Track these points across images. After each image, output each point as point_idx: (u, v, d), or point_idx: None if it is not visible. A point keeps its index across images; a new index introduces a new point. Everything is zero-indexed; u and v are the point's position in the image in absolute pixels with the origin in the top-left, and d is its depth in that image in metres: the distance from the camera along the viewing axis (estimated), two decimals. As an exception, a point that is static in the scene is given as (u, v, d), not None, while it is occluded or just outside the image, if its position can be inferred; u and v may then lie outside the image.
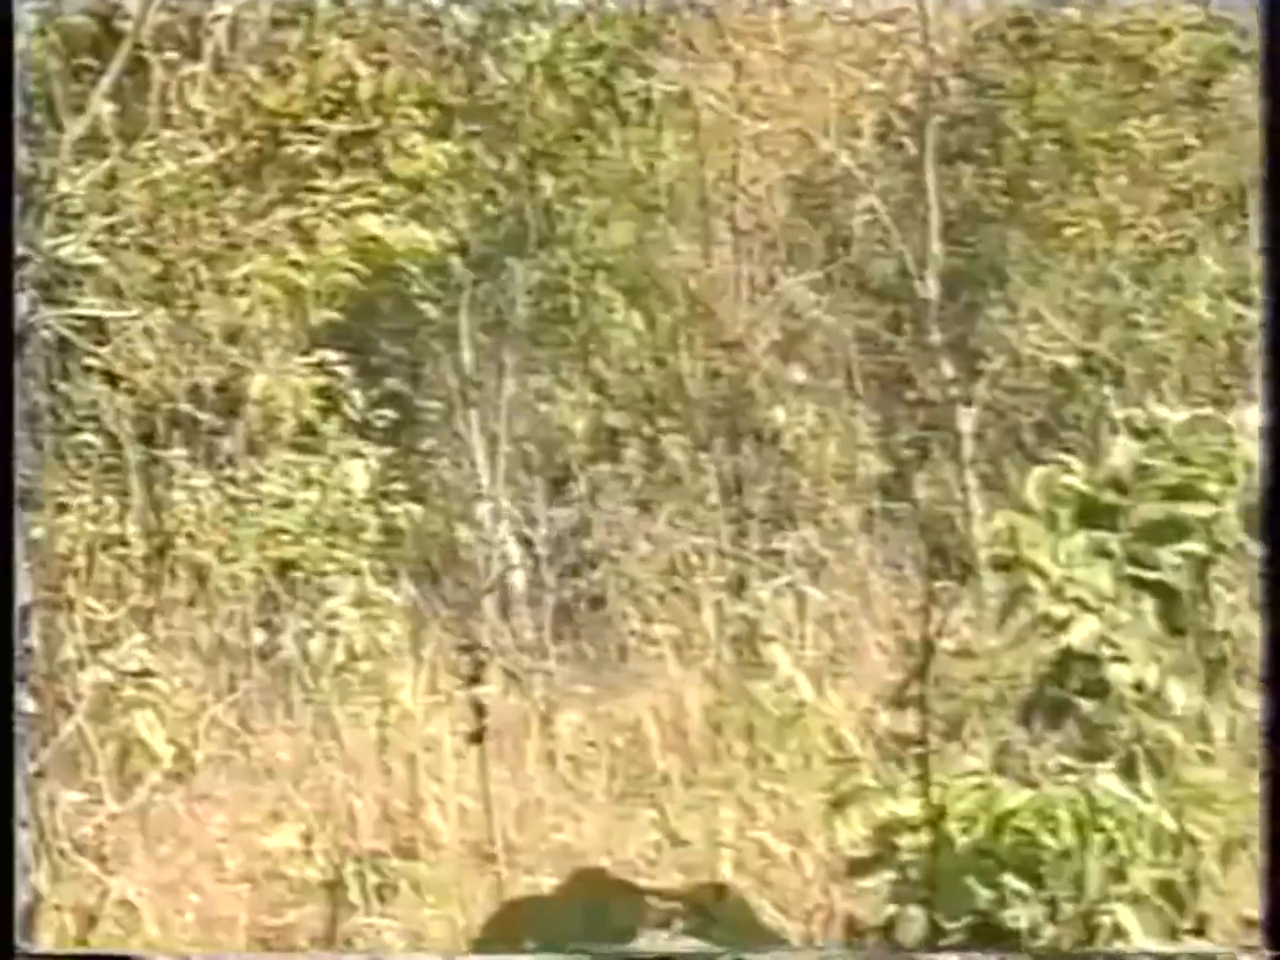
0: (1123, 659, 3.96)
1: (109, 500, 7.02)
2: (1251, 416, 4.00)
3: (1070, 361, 8.27)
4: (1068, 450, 4.78)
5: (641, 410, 8.87)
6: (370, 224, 7.61)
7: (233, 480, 7.31)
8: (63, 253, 6.28)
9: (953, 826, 3.76)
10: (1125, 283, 8.21)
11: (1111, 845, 3.60)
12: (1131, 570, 3.99)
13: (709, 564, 7.69)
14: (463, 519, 8.56)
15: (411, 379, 8.83)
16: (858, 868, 3.97)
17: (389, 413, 7.88)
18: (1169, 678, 3.93)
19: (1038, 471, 4.32)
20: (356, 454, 7.60)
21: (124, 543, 6.91)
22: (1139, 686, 3.94)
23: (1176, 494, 4.08)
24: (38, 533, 6.23)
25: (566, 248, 8.85)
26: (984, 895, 3.67)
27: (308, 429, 7.55)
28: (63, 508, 6.74)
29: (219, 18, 6.84)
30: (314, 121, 7.05)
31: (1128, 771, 3.71)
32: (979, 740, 4.25)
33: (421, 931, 5.39)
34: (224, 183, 7.22)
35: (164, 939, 5.24)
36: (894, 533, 7.93)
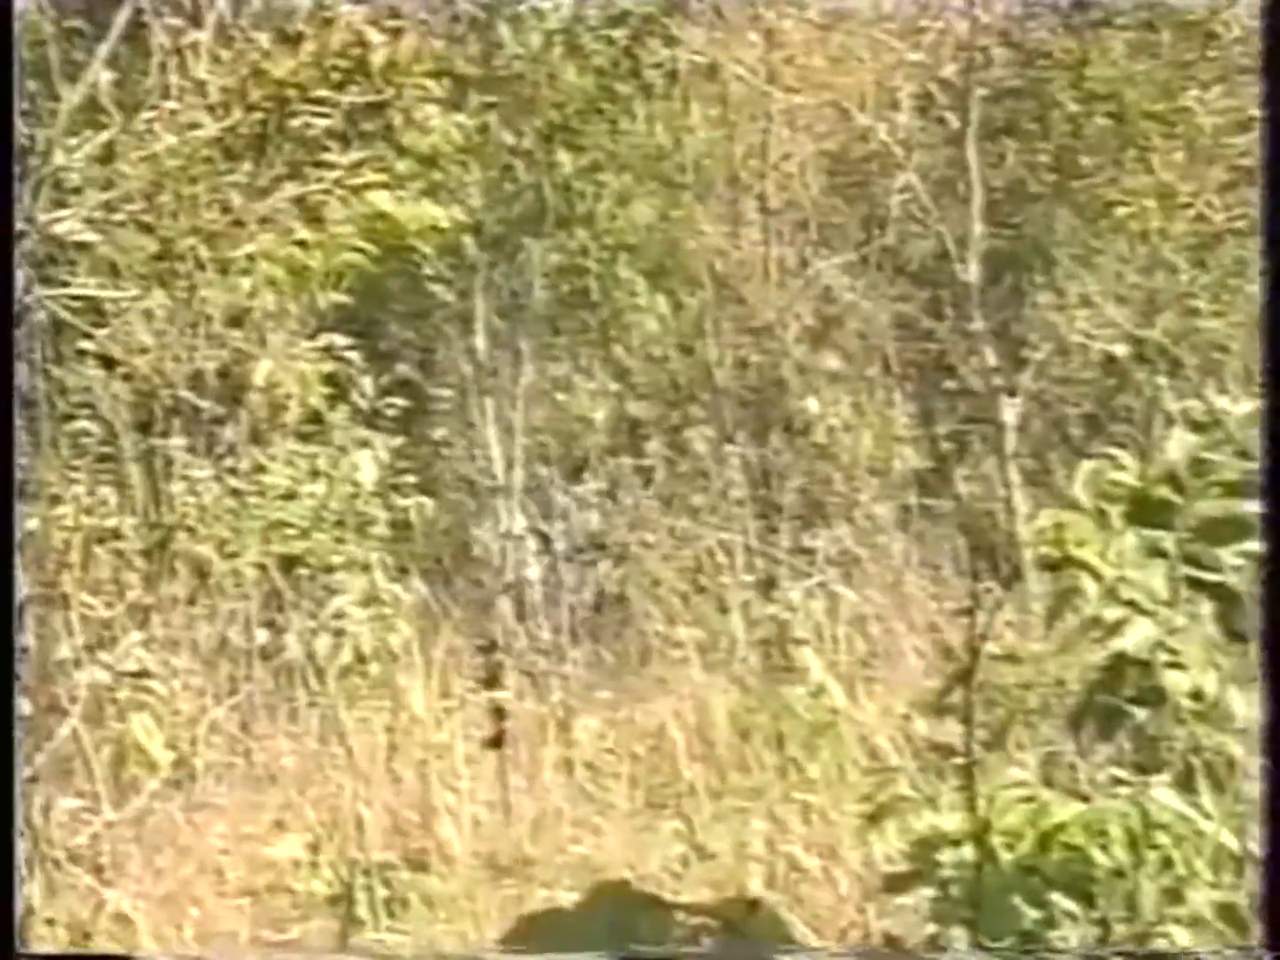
0: (1179, 665, 3.95)
1: (105, 492, 7.04)
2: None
3: (1121, 350, 8.24)
4: (1118, 444, 4.76)
5: (665, 400, 8.87)
6: (380, 201, 7.62)
7: (235, 471, 7.32)
8: (58, 229, 6.29)
9: (997, 841, 3.75)
10: (1182, 266, 8.16)
11: (1167, 864, 3.58)
12: (1188, 571, 3.97)
13: (736, 562, 7.69)
14: (476, 513, 8.57)
15: (423, 365, 8.84)
16: (895, 884, 3.96)
17: (399, 401, 7.89)
18: (1228, 686, 3.91)
19: (1086, 466, 4.30)
20: (365, 444, 7.61)
21: (120, 536, 6.92)
22: (1196, 695, 3.92)
23: (1237, 490, 4.06)
24: (31, 525, 6.24)
25: (586, 227, 8.85)
26: (1030, 915, 3.66)
27: (314, 417, 7.56)
28: (56, 499, 6.76)
29: (223, -18, 6.84)
30: (323, 92, 7.05)
31: (1185, 785, 3.69)
32: (1024, 750, 4.24)
33: (433, 948, 5.39)
34: (227, 157, 7.23)
35: (162, 954, 5.25)
36: (932, 530, 7.91)
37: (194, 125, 6.91)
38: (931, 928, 3.79)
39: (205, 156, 7.12)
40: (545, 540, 8.49)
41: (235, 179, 7.22)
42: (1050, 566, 4.24)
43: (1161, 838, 3.59)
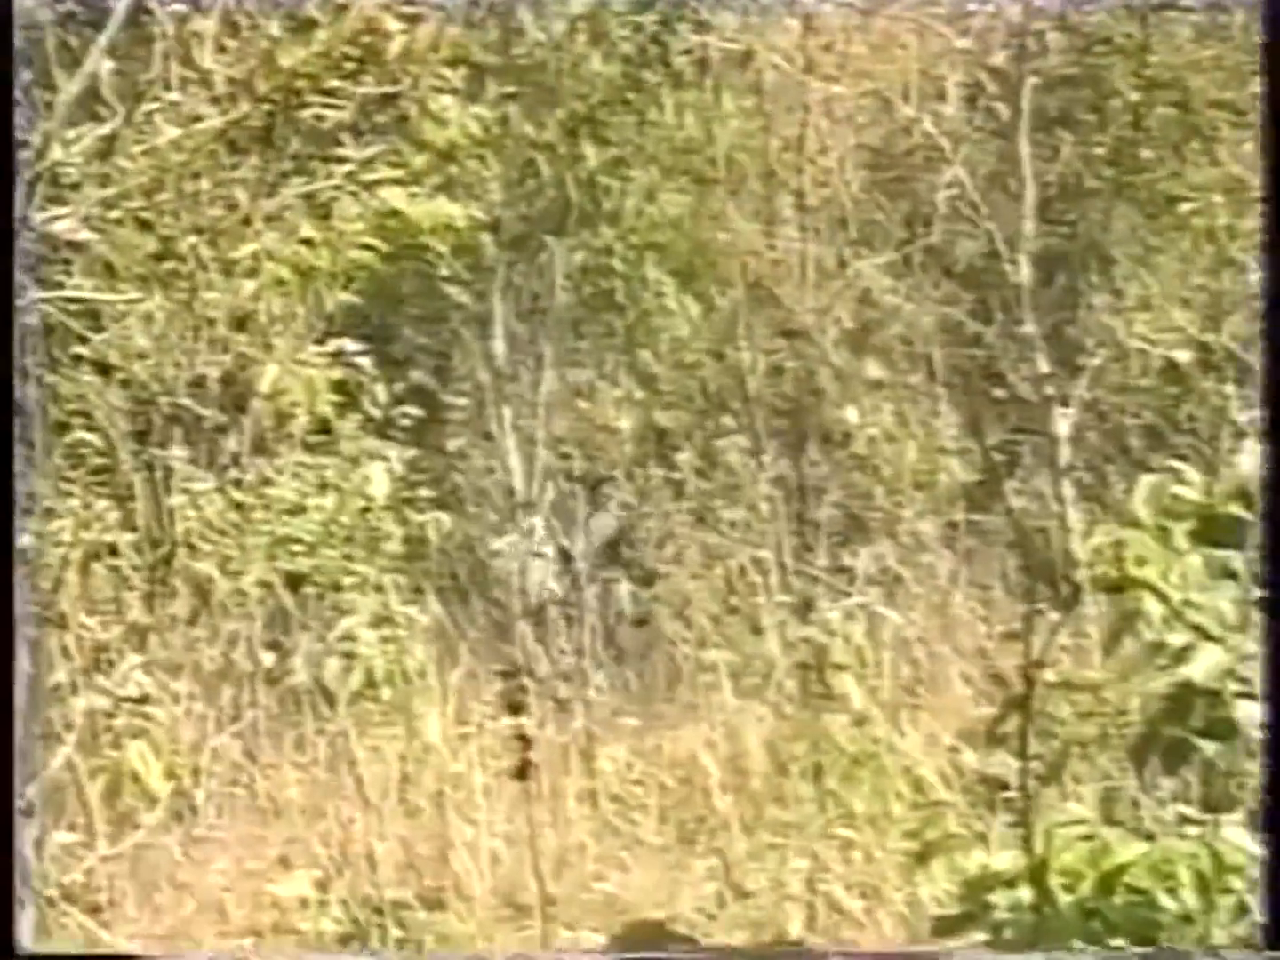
0: (1250, 695, 3.91)
1: (100, 505, 7.05)
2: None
3: (1185, 356, 8.20)
4: (1181, 457, 4.74)
5: (695, 408, 8.87)
6: (394, 197, 7.63)
7: (239, 484, 7.33)
8: (53, 228, 6.30)
9: (1055, 882, 3.72)
10: (1251, 265, 8.12)
11: (1242, 909, 3.55)
12: (1260, 593, 3.93)
13: (771, 582, 7.68)
14: (495, 529, 8.57)
15: (438, 371, 8.85)
16: (944, 927, 3.93)
17: (413, 409, 7.90)
18: (1304, 716, 3.87)
19: (1146, 481, 4.27)
20: (377, 455, 7.62)
21: (118, 553, 6.93)
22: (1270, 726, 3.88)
23: (1313, 507, 4.02)
24: (25, 541, 6.25)
25: (612, 225, 8.86)
26: (1091, 962, 3.63)
27: (322, 427, 7.57)
28: (51, 513, 6.77)
29: (230, -34, 6.85)
30: (334, 83, 7.06)
31: (1258, 824, 3.66)
32: (1083, 785, 4.22)
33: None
34: (232, 151, 7.24)
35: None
36: (981, 548, 7.90)
37: (198, 117, 6.92)
38: (984, 974, 3.76)
39: (209, 150, 7.13)
40: (567, 558, 8.49)
41: (241, 174, 7.24)
42: (1109, 588, 4.21)
43: (1234, 881, 3.56)
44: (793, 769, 6.34)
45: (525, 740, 5.19)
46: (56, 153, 5.95)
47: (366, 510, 7.53)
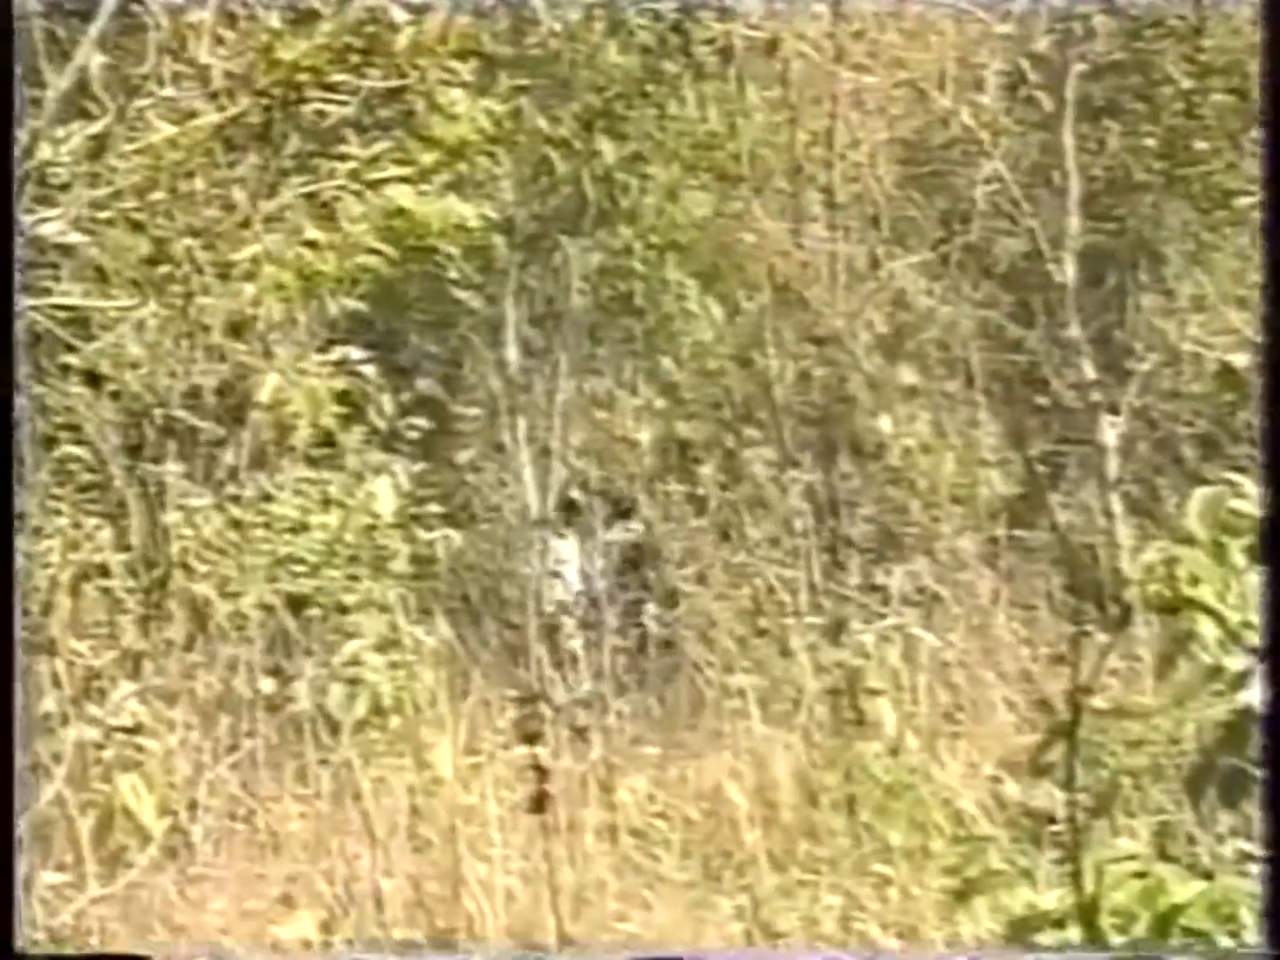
0: (1314, 722, 3.88)
1: (91, 524, 7.06)
2: None
3: (1242, 359, 8.17)
4: (1238, 468, 4.72)
5: (719, 418, 8.87)
6: (401, 196, 7.63)
7: (237, 500, 7.34)
8: (42, 230, 6.32)
9: (1106, 923, 3.70)
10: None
11: (1307, 951, 3.52)
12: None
13: (800, 601, 7.67)
14: (508, 547, 8.58)
15: (447, 380, 8.87)
16: (989, 970, 3.91)
17: (421, 421, 7.91)
18: (1371, 746, 3.84)
19: (1200, 494, 4.25)
20: (383, 470, 7.62)
21: (110, 574, 6.94)
22: (1335, 756, 3.86)
23: (1380, 522, 3.99)
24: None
25: (630, 224, 8.87)
26: (1146, 1007, 3.61)
27: (325, 440, 7.57)
28: (38, 532, 6.78)
29: (227, -46, 6.87)
30: (338, 77, 7.08)
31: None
32: (1135, 818, 4.20)
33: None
34: (230, 149, 7.26)
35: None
36: (1023, 566, 7.88)
37: (193, 114, 6.94)
38: (1031, 1020, 3.74)
39: (205, 149, 7.15)
40: (585, 577, 8.49)
41: (239, 173, 7.25)
42: (1161, 608, 4.19)
43: (1299, 922, 3.53)
44: (824, 800, 6.33)
45: (542, 771, 5.18)
46: (45, 151, 5.97)
47: (372, 528, 7.53)
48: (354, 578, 7.43)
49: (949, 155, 8.75)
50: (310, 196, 7.44)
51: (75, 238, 6.92)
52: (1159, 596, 4.14)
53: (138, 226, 7.26)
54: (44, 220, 6.37)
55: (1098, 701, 4.21)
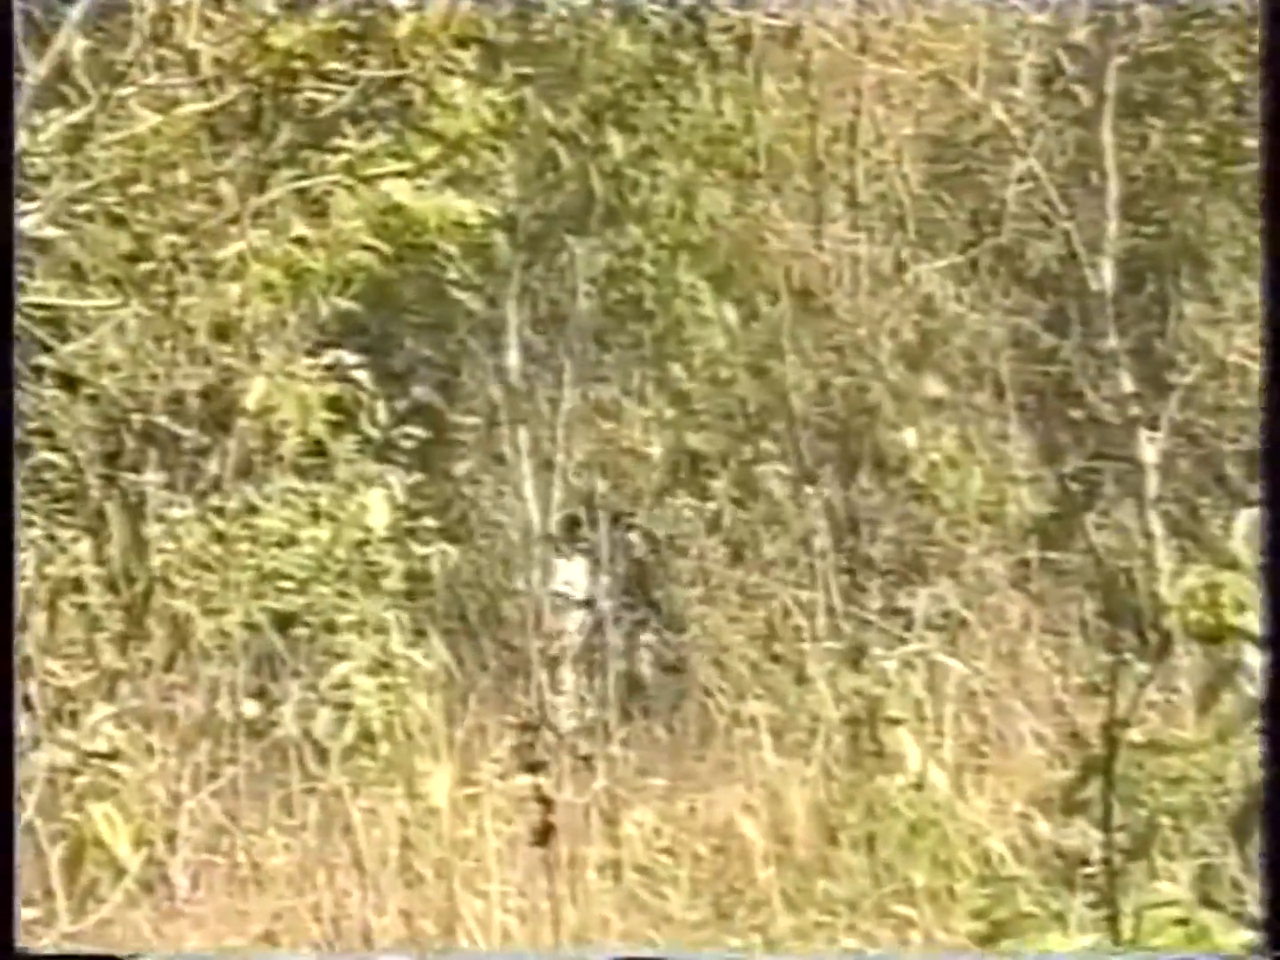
0: (1368, 759, 3.88)
1: (66, 536, 7.07)
2: None
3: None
4: (1285, 487, 4.71)
5: (733, 430, 8.87)
6: (397, 191, 7.64)
7: (221, 512, 7.35)
8: (18, 224, 6.33)
9: (1144, 971, 3.70)
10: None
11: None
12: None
13: (817, 625, 7.67)
14: (508, 564, 8.58)
15: (444, 387, 8.87)
16: (1017, 1020, 3.91)
17: (417, 429, 7.91)
18: None
19: (1246, 515, 4.25)
20: (376, 481, 7.63)
21: (85, 590, 6.95)
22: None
23: None
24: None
25: (640, 223, 8.88)
26: (1186, 1064, 3.60)
27: (315, 448, 7.58)
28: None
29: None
30: (333, 64, 7.10)
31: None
32: (1175, 861, 4.19)
33: None
34: (217, 140, 7.27)
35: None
36: (1055, 590, 7.88)
37: (179, 102, 6.95)
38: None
39: (192, 139, 7.16)
40: (589, 597, 8.49)
41: (226, 166, 7.27)
42: (1204, 637, 4.19)
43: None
44: (842, 837, 6.33)
45: (546, 801, 5.17)
46: (21, 141, 5.97)
47: (364, 542, 7.53)
48: (344, 595, 7.43)
49: (979, 152, 8.76)
50: (301, 191, 7.46)
51: (52, 232, 6.94)
52: (1201, 624, 4.14)
53: (118, 221, 7.27)
54: (20, 214, 6.38)
55: (1135, 735, 4.21)
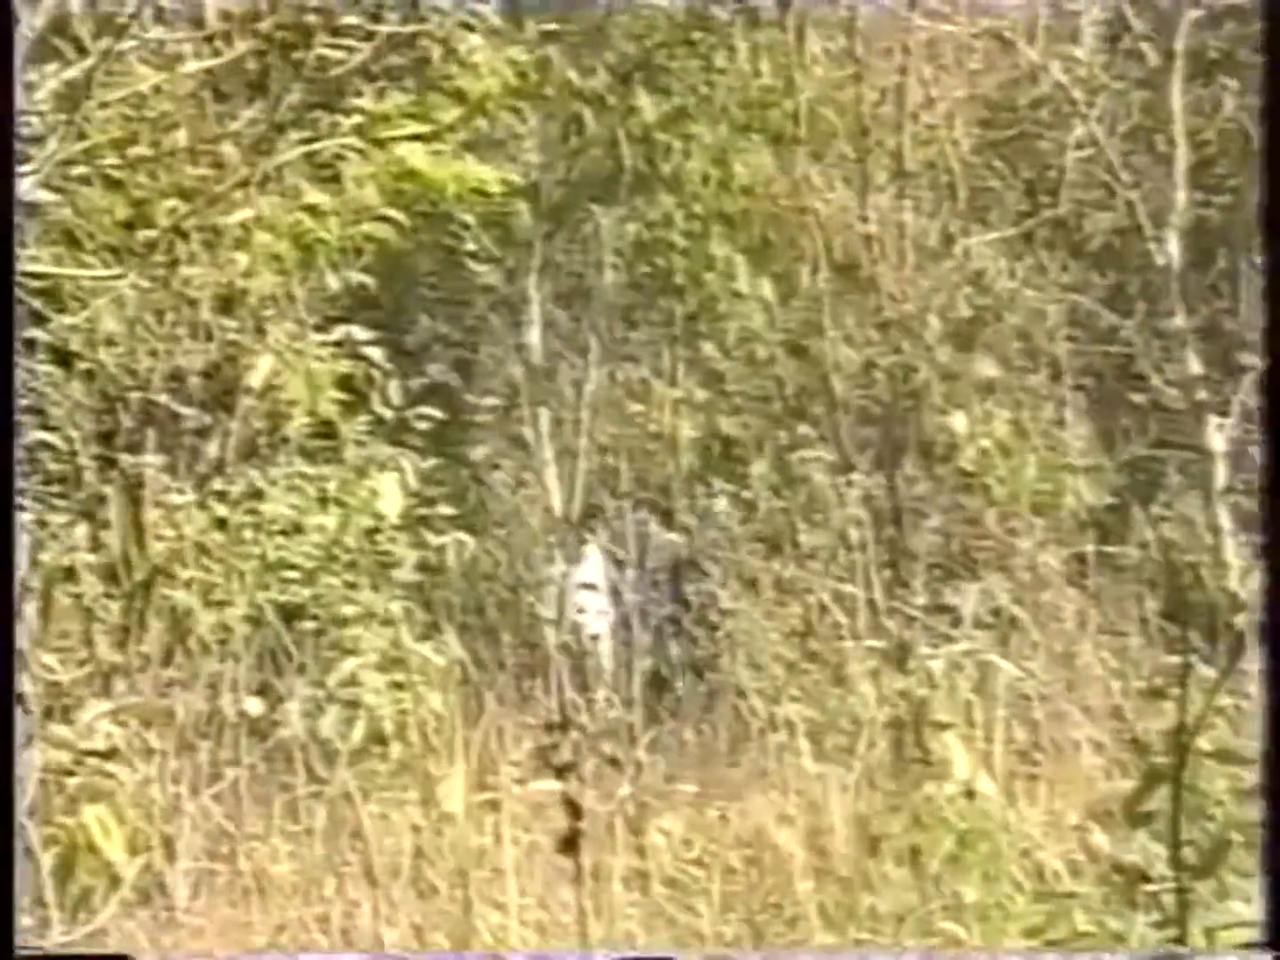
0: None
1: (60, 522, 7.09)
2: None
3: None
4: (1365, 479, 4.69)
5: (769, 414, 8.87)
6: (412, 156, 7.64)
7: (223, 497, 7.36)
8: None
9: (1213, 996, 3.68)
10: None
11: None
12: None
13: (858, 622, 7.65)
14: (528, 554, 8.58)
15: (461, 366, 8.88)
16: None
17: (432, 410, 7.91)
18: None
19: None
20: (388, 465, 7.63)
21: (79, 579, 6.96)
22: None
23: None
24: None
25: (671, 192, 8.87)
26: None
27: (324, 430, 7.58)
28: (0, 530, 6.80)
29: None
30: (347, 19, 7.10)
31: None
32: (1247, 879, 4.17)
33: None
34: (222, 99, 7.28)
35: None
36: (1115, 586, 7.86)
37: (182, 59, 6.96)
38: None
39: (195, 98, 7.17)
40: (614, 590, 8.49)
41: (232, 127, 7.27)
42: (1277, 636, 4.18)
43: None
44: (885, 849, 6.31)
45: (574, 806, 5.16)
46: (16, 99, 5.97)
47: (375, 530, 7.54)
48: (353, 586, 7.44)
49: (1037, 116, 8.73)
50: (311, 155, 7.46)
51: (46, 196, 6.94)
52: (1272, 624, 4.12)
53: (116, 186, 7.29)
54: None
55: (1202, 743, 4.19)
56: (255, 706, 7.00)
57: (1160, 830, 3.92)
